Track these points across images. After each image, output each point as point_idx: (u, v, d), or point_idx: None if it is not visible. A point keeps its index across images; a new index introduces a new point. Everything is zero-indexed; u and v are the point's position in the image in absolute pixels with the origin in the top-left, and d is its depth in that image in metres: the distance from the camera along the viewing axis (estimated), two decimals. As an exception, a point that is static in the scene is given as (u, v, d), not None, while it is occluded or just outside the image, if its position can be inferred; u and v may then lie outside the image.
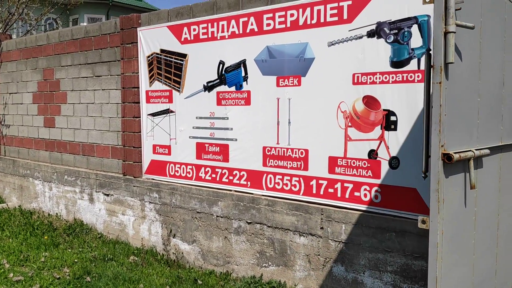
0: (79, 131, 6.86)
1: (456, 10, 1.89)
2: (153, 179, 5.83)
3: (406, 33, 3.81)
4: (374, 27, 3.97)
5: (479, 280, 2.42)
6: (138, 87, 5.89)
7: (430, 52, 1.99)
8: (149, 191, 5.81)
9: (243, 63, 4.84)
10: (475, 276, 2.36)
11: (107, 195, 6.37)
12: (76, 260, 5.37)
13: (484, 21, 2.16)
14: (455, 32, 1.89)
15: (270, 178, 4.72)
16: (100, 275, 4.90)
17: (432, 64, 1.89)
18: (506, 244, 2.91)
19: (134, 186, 6.00)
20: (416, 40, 3.77)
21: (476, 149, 2.17)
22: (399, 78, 3.88)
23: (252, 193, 4.86)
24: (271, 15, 4.58)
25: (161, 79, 5.64)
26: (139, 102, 5.90)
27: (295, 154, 4.53)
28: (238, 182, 4.98)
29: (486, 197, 2.47)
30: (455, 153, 1.94)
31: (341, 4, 4.14)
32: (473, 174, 2.08)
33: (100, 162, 6.56)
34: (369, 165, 4.09)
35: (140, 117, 5.93)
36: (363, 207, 4.13)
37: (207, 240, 5.23)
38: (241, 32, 4.83)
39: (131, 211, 6.05)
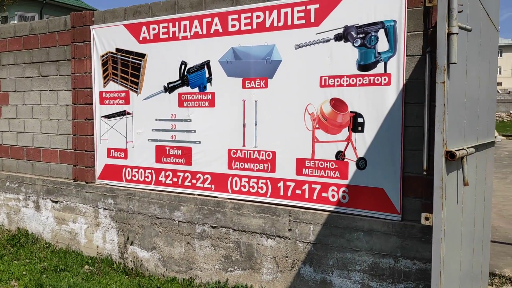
0: (23, 134, 6.41)
1: (458, 12, 1.96)
2: (108, 184, 5.57)
3: (373, 37, 3.91)
4: (341, 30, 4.04)
5: (463, 274, 2.52)
6: (91, 88, 5.60)
7: (429, 51, 2.03)
8: (103, 197, 5.54)
9: (207, 64, 4.75)
10: (461, 270, 2.45)
11: (56, 202, 6.00)
12: (24, 273, 5.00)
13: (469, 24, 2.26)
14: (457, 34, 1.97)
15: (236, 181, 4.66)
16: (54, 287, 4.59)
17: (436, 64, 1.94)
18: (479, 239, 3.06)
19: (86, 192, 5.69)
20: (382, 44, 3.88)
21: (467, 147, 2.26)
22: (366, 81, 3.97)
23: (216, 197, 4.77)
24: (236, 16, 4.54)
25: (116, 80, 5.41)
26: (92, 104, 5.61)
27: (262, 156, 4.50)
28: (201, 185, 4.87)
29: (468, 194, 2.58)
30: (455, 151, 2.01)
31: (308, 7, 4.17)
32: (466, 171, 2.17)
33: (47, 167, 6.17)
34: (336, 166, 4.14)
35: (93, 119, 5.64)
36: (331, 207, 4.18)
37: (168, 246, 5.06)
38: (204, 32, 4.74)
39: (83, 219, 5.74)
